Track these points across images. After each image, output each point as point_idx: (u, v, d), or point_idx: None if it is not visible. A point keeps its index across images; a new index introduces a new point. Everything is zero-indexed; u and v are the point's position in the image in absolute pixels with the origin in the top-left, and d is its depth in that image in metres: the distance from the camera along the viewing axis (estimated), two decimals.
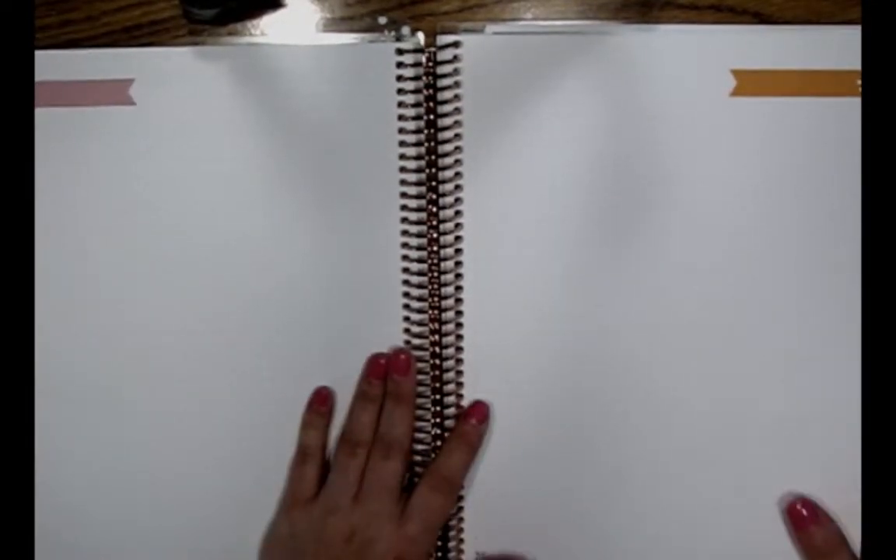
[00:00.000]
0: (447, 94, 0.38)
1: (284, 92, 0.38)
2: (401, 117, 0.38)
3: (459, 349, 0.40)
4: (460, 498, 0.41)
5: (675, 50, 0.37)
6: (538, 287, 0.39)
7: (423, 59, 0.38)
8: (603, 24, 0.38)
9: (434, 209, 0.39)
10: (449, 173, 0.38)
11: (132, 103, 0.39)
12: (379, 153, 0.38)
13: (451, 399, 0.40)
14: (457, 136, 0.38)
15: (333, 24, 0.39)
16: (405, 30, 0.38)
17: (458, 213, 0.39)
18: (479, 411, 0.39)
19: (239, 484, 0.41)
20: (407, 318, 0.39)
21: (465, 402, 0.40)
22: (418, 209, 0.39)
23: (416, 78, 0.38)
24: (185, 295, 0.40)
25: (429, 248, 0.39)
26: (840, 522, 0.38)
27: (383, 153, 0.38)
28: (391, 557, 0.37)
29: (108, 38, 0.39)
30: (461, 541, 0.41)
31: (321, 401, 0.40)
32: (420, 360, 0.40)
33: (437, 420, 0.40)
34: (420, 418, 0.40)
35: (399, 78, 0.38)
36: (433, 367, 0.40)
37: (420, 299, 0.39)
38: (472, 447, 0.39)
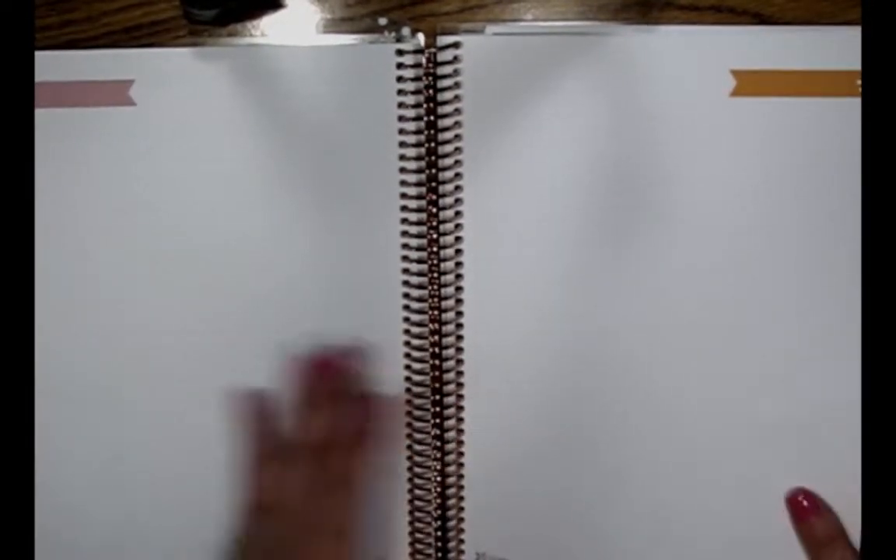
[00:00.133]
0: (447, 95, 0.38)
1: (284, 92, 0.38)
2: (401, 118, 0.38)
3: (459, 349, 0.40)
4: (461, 500, 0.41)
5: (675, 50, 0.37)
6: (538, 287, 0.39)
7: (423, 60, 0.38)
8: (603, 25, 0.38)
9: (434, 209, 0.39)
10: (449, 174, 0.38)
11: (132, 104, 0.39)
12: (379, 153, 0.38)
13: (450, 399, 0.40)
14: (457, 136, 0.38)
15: (333, 25, 0.39)
16: (405, 30, 0.38)
17: (458, 213, 0.39)
18: None
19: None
20: (407, 319, 0.39)
21: (464, 403, 0.40)
22: (418, 209, 0.39)
23: (416, 78, 0.38)
24: (184, 295, 0.40)
25: (429, 249, 0.39)
26: (841, 519, 0.38)
27: (383, 153, 0.38)
28: None
29: (108, 39, 0.39)
30: (461, 541, 0.41)
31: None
32: (420, 360, 0.40)
33: (437, 420, 0.40)
34: (420, 419, 0.40)
35: (399, 78, 0.38)
36: (433, 367, 0.40)
37: (420, 299, 0.39)
38: (373, 440, 0.38)
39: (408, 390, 0.40)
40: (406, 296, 0.39)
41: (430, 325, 0.39)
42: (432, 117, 0.38)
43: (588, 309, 0.39)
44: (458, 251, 0.39)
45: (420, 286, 0.39)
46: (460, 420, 0.40)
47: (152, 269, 0.39)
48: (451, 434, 0.40)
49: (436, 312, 0.39)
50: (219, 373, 0.40)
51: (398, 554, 0.41)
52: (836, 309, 0.38)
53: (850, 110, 0.37)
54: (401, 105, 0.38)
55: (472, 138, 0.38)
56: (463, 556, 0.41)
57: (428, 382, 0.40)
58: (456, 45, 0.38)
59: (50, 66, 0.38)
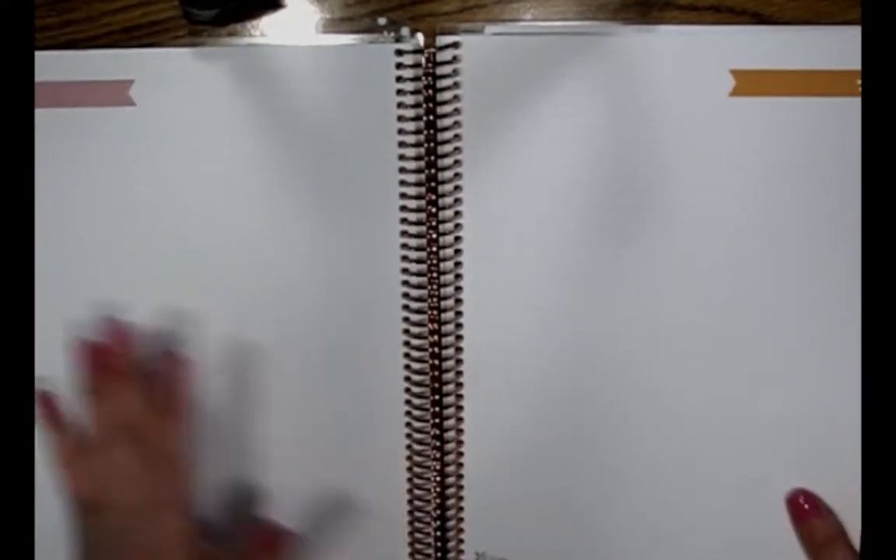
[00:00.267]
0: (447, 95, 0.38)
1: (284, 92, 0.38)
2: (400, 118, 0.38)
3: (459, 349, 0.40)
4: (461, 500, 0.41)
5: (675, 50, 0.37)
6: (538, 287, 0.39)
7: (423, 60, 0.38)
8: (603, 25, 0.38)
9: (434, 209, 0.39)
10: (449, 173, 0.38)
11: (132, 104, 0.39)
12: (378, 153, 0.38)
13: (450, 399, 0.40)
14: (456, 136, 0.38)
15: (333, 25, 0.39)
16: (405, 30, 0.38)
17: (457, 213, 0.39)
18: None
19: (238, 483, 0.41)
20: (406, 319, 0.39)
21: (464, 403, 0.40)
22: (418, 209, 0.39)
23: (416, 78, 0.38)
24: (184, 295, 0.40)
25: (428, 249, 0.39)
26: (841, 519, 0.38)
27: (383, 153, 0.38)
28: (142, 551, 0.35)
29: (108, 39, 0.39)
30: (461, 541, 0.41)
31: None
32: (420, 360, 0.40)
33: (437, 420, 0.40)
34: (420, 419, 0.40)
35: (399, 78, 0.38)
36: (433, 367, 0.40)
37: (420, 299, 0.39)
38: (184, 406, 0.38)
39: (407, 390, 0.40)
40: (405, 296, 0.39)
41: (430, 325, 0.39)
42: (432, 117, 0.38)
43: (587, 308, 0.39)
44: (458, 251, 0.39)
45: (419, 286, 0.39)
46: (460, 420, 0.40)
47: (152, 270, 0.39)
48: (451, 434, 0.40)
49: (435, 312, 0.39)
50: (218, 373, 0.40)
51: (398, 554, 0.41)
52: (836, 309, 0.38)
53: (849, 110, 0.37)
54: (400, 105, 0.38)
55: (471, 138, 0.38)
56: (463, 556, 0.41)
57: (428, 382, 0.40)
58: (455, 45, 0.38)
59: (50, 66, 0.38)
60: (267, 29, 0.39)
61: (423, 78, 0.38)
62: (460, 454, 0.40)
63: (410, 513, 0.41)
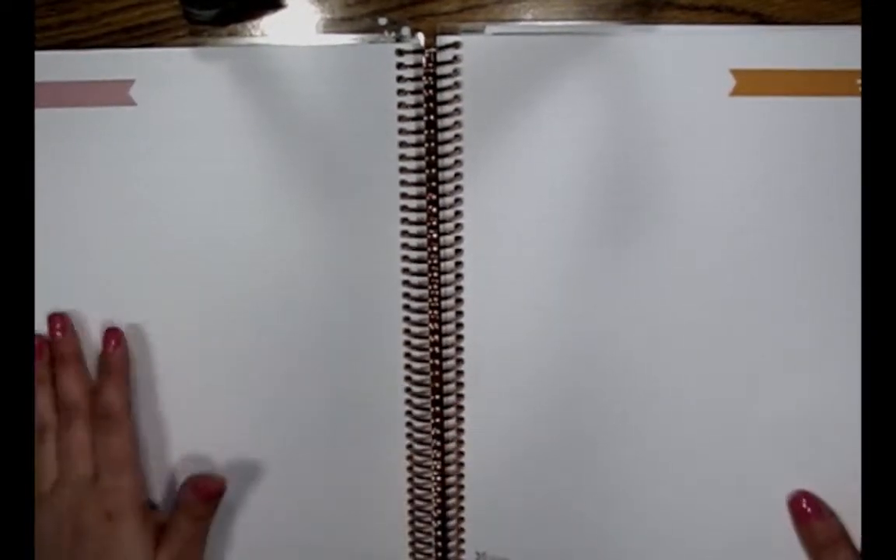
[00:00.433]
0: (447, 95, 0.38)
1: (284, 92, 0.38)
2: (401, 118, 0.38)
3: (459, 349, 0.40)
4: (461, 499, 0.41)
5: (675, 50, 0.37)
6: (538, 287, 0.39)
7: (423, 60, 0.38)
8: (603, 25, 0.38)
9: (434, 209, 0.39)
10: (449, 173, 0.38)
11: (132, 104, 0.39)
12: (379, 153, 0.38)
13: (450, 399, 0.40)
14: (457, 136, 0.38)
15: (333, 25, 0.39)
16: (405, 30, 0.38)
17: (458, 213, 0.39)
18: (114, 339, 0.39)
19: (238, 482, 0.41)
20: (407, 319, 0.39)
21: (464, 403, 0.40)
22: (418, 209, 0.39)
23: (416, 78, 0.38)
24: (184, 295, 0.40)
25: (429, 248, 0.39)
26: (841, 520, 0.38)
27: (383, 153, 0.38)
28: (101, 514, 0.37)
29: (108, 39, 0.39)
30: (461, 541, 0.41)
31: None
32: (420, 360, 0.40)
33: (437, 420, 0.40)
34: (420, 419, 0.40)
35: (399, 78, 0.38)
36: (433, 367, 0.40)
37: (420, 299, 0.39)
38: (121, 372, 0.39)
39: (408, 390, 0.40)
40: (406, 296, 0.39)
41: (430, 325, 0.39)
42: (432, 117, 0.38)
43: (588, 308, 0.39)
44: (458, 251, 0.39)
45: (420, 286, 0.39)
46: (460, 420, 0.40)
47: (152, 269, 0.39)
48: (451, 434, 0.40)
49: (436, 312, 0.39)
50: (217, 373, 0.40)
51: (398, 554, 0.41)
52: (836, 309, 0.38)
53: (849, 110, 0.37)
54: (401, 105, 0.38)
55: (471, 138, 0.38)
56: (463, 556, 0.41)
57: (428, 382, 0.40)
58: (456, 44, 0.38)
59: (50, 66, 0.38)
60: (267, 29, 0.39)
61: (424, 78, 0.38)
62: (460, 454, 0.40)
63: (410, 513, 0.41)
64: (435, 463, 0.41)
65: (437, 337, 0.40)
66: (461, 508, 0.41)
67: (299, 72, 0.38)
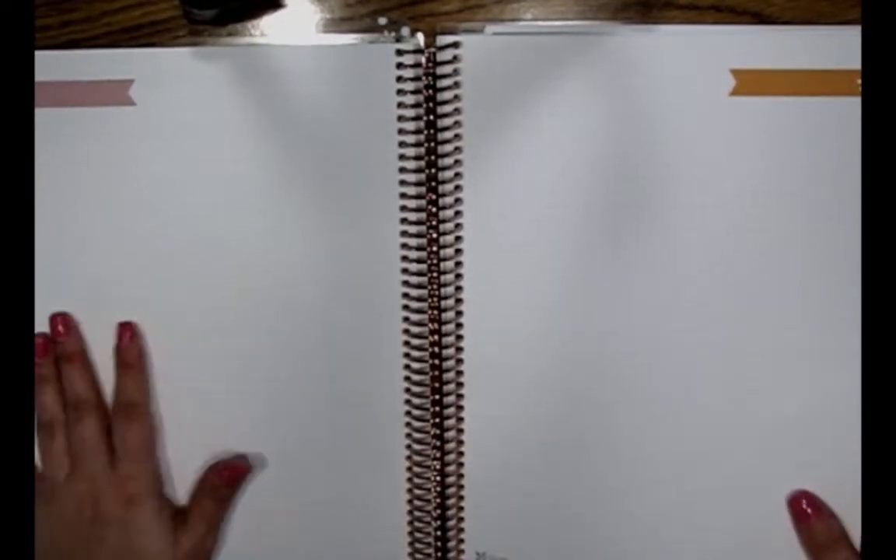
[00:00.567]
0: (447, 95, 0.38)
1: (284, 92, 0.38)
2: (401, 117, 0.38)
3: (459, 349, 0.40)
4: (461, 499, 0.41)
5: (675, 50, 0.37)
6: (538, 287, 0.39)
7: (423, 60, 0.38)
8: (603, 25, 0.38)
9: (434, 209, 0.39)
10: (449, 173, 0.38)
11: (132, 104, 0.39)
12: (379, 153, 0.38)
13: (450, 399, 0.40)
14: (457, 136, 0.38)
15: (333, 25, 0.39)
16: (405, 30, 0.38)
17: (458, 213, 0.39)
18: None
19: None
20: (406, 319, 0.39)
21: (464, 403, 0.40)
22: (418, 209, 0.39)
23: (416, 78, 0.38)
24: (184, 295, 0.40)
25: (429, 248, 0.39)
26: (841, 520, 0.38)
27: (383, 153, 0.38)
28: (121, 500, 0.38)
29: (108, 39, 0.39)
30: (461, 541, 0.41)
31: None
32: (420, 360, 0.40)
33: (437, 420, 0.40)
34: (420, 419, 0.40)
35: (399, 78, 0.38)
36: (433, 367, 0.40)
37: (420, 299, 0.39)
38: (139, 364, 0.40)
39: (407, 390, 0.40)
40: (406, 296, 0.39)
41: (430, 325, 0.39)
42: (432, 117, 0.38)
43: (587, 308, 0.39)
44: (458, 251, 0.39)
45: (420, 286, 0.39)
46: (460, 420, 0.40)
47: (152, 269, 0.39)
48: (451, 434, 0.40)
49: (435, 312, 0.39)
50: (218, 373, 0.40)
51: (398, 554, 0.41)
52: (836, 309, 0.38)
53: (850, 110, 0.37)
54: (400, 105, 0.38)
55: (471, 138, 0.38)
56: (463, 556, 0.41)
57: (428, 382, 0.40)
58: (455, 44, 0.38)
59: (50, 66, 0.38)
60: (267, 29, 0.39)
61: (424, 78, 0.38)
62: (460, 454, 0.40)
63: (410, 513, 0.41)
64: (435, 463, 0.41)
65: (436, 337, 0.40)
66: (461, 508, 0.41)
67: (299, 72, 0.38)
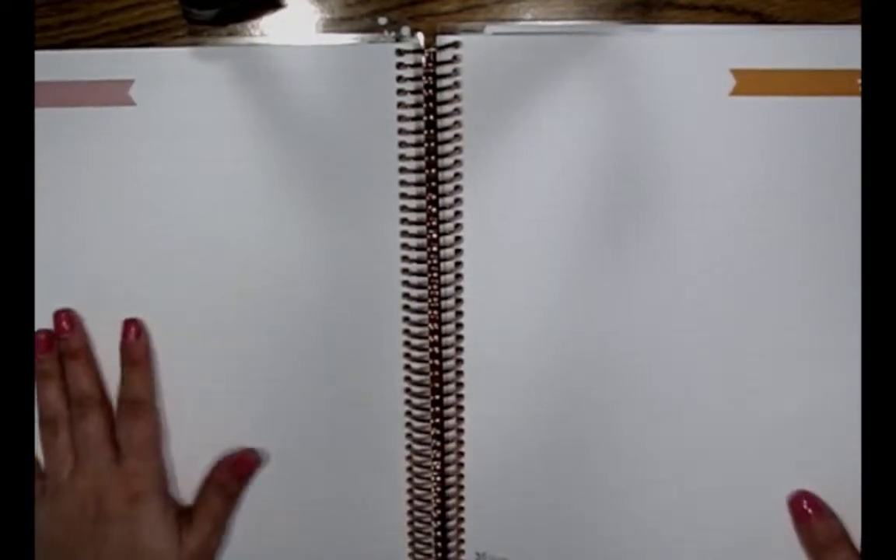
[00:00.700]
0: (447, 95, 0.38)
1: (284, 92, 0.38)
2: (401, 117, 0.38)
3: (459, 350, 0.40)
4: (461, 500, 0.41)
5: (675, 50, 0.37)
6: (538, 287, 0.39)
7: (423, 60, 0.38)
8: (603, 25, 0.38)
9: (434, 209, 0.39)
10: (449, 173, 0.38)
11: (132, 103, 0.39)
12: (379, 153, 0.38)
13: (450, 399, 0.40)
14: (457, 136, 0.38)
15: (333, 25, 0.39)
16: (405, 30, 0.38)
17: (458, 213, 0.39)
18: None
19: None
20: (406, 319, 0.39)
21: (464, 403, 0.40)
22: (418, 209, 0.39)
23: (416, 78, 0.38)
24: (184, 295, 0.40)
25: (429, 249, 0.39)
26: (841, 520, 0.38)
27: (383, 153, 0.38)
28: (126, 497, 0.38)
29: (108, 39, 0.39)
30: (461, 541, 0.41)
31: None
32: (420, 360, 0.40)
33: (437, 420, 0.40)
34: (420, 419, 0.40)
35: (399, 78, 0.38)
36: (433, 367, 0.40)
37: (420, 299, 0.39)
38: (145, 361, 0.40)
39: (407, 390, 0.40)
40: (406, 296, 0.39)
41: (430, 325, 0.39)
42: (432, 117, 0.38)
43: (588, 308, 0.39)
44: (458, 251, 0.39)
45: (420, 286, 0.39)
46: (460, 420, 0.40)
47: (152, 269, 0.39)
48: (451, 434, 0.40)
49: (435, 312, 0.39)
50: (218, 373, 0.40)
51: (398, 554, 0.41)
52: (836, 309, 0.38)
53: (850, 110, 0.37)
54: (400, 105, 0.38)
55: (471, 138, 0.38)
56: (463, 556, 0.41)
57: (428, 382, 0.40)
58: (455, 44, 0.38)
59: (50, 66, 0.38)
60: (267, 29, 0.39)
61: (424, 78, 0.38)
62: (460, 454, 0.40)
63: (410, 513, 0.41)
64: (435, 463, 0.41)
65: (436, 337, 0.40)
66: (461, 508, 0.41)
67: (299, 72, 0.38)
